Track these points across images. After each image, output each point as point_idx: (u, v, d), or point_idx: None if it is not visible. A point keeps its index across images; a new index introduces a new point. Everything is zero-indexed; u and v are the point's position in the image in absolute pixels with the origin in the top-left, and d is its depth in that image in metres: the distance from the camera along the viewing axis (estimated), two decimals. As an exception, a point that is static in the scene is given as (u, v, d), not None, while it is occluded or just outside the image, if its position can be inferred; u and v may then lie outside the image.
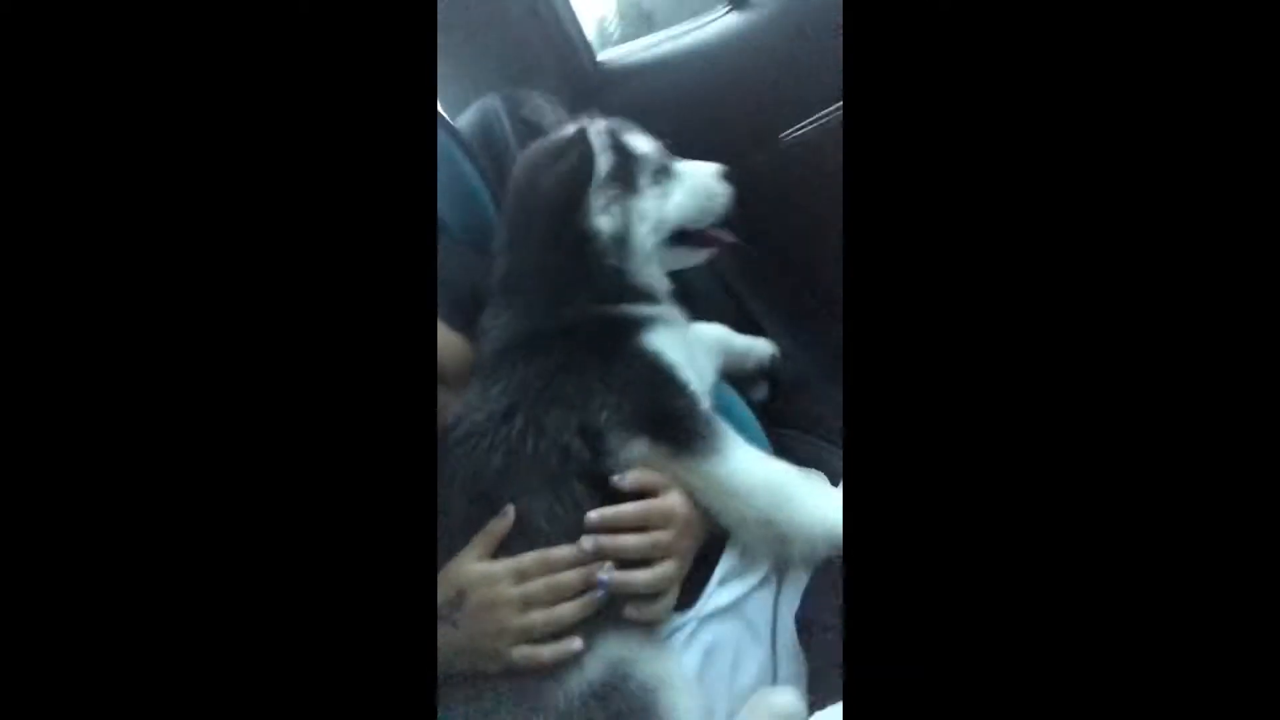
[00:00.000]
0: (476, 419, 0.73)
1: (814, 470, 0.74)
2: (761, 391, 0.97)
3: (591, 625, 0.67)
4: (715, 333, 0.93)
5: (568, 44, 1.08)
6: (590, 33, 1.16)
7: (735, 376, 0.95)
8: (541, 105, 0.96)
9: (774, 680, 0.70)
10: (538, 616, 0.66)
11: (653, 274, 0.80)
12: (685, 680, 0.68)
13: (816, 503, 0.70)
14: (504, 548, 0.69)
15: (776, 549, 0.72)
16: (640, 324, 0.76)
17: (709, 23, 1.03)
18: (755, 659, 0.71)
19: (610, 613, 0.68)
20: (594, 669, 0.66)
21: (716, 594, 0.73)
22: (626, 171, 0.78)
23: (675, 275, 0.88)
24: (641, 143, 0.81)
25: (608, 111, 1.07)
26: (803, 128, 0.99)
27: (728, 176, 0.82)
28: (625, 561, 0.68)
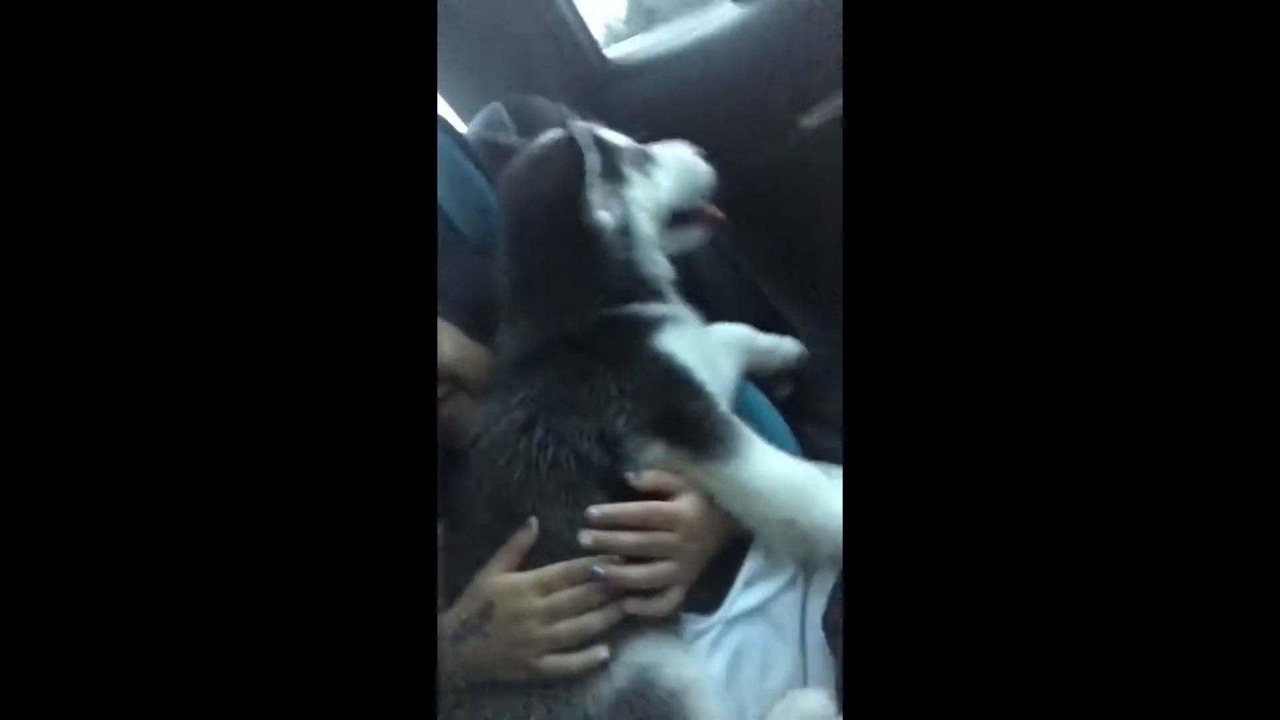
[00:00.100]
0: (497, 431, 0.74)
1: (838, 467, 0.73)
2: (786, 388, 0.96)
3: (617, 633, 0.68)
4: (737, 333, 0.92)
5: (573, 44, 1.07)
6: (599, 33, 1.15)
7: (762, 376, 0.93)
8: (545, 109, 0.96)
9: (804, 682, 0.70)
10: (564, 627, 0.67)
11: (659, 261, 0.80)
12: (712, 684, 0.68)
13: (839, 501, 0.69)
14: (529, 558, 0.70)
15: (801, 549, 0.71)
16: (652, 326, 0.76)
17: (712, 17, 1.01)
18: (784, 661, 0.71)
19: (635, 620, 0.69)
20: (620, 676, 0.66)
21: (742, 597, 0.73)
22: (614, 165, 0.78)
23: (696, 275, 0.87)
24: (617, 137, 0.82)
25: (616, 109, 1.07)
26: (819, 112, 0.97)
27: (706, 158, 0.83)
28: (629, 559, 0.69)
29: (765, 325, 0.96)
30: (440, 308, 0.82)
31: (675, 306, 0.81)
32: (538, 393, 0.73)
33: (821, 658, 0.70)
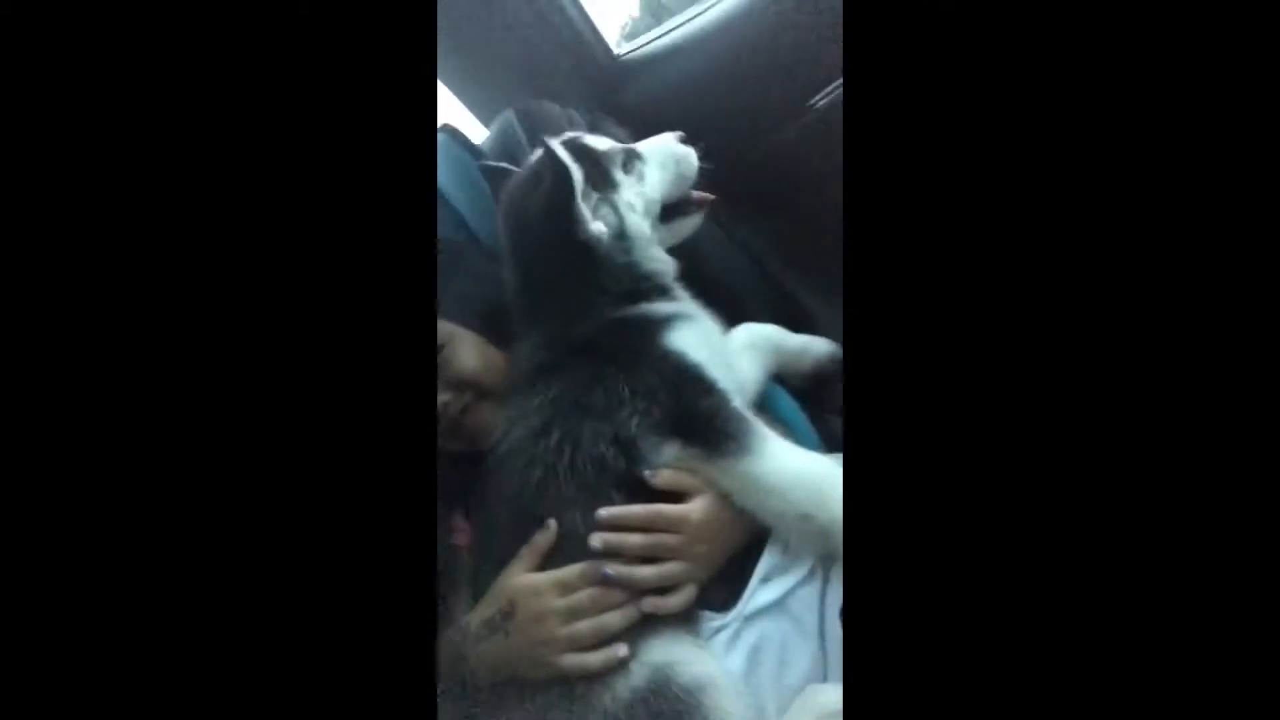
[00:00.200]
0: (515, 435, 0.75)
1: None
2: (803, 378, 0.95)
3: (634, 632, 0.69)
4: (764, 333, 0.91)
5: (582, 44, 1.08)
6: (616, 32, 1.15)
7: (795, 377, 0.92)
8: (554, 114, 0.97)
9: (824, 677, 0.70)
10: (583, 626, 0.68)
11: (659, 258, 0.81)
12: (730, 680, 0.68)
13: None
14: (549, 558, 0.72)
15: (819, 543, 0.71)
16: (661, 325, 0.76)
17: (714, 5, 1.00)
18: (804, 656, 0.71)
19: (652, 620, 0.70)
20: (638, 674, 0.67)
21: (759, 592, 0.73)
22: (600, 171, 0.79)
23: (714, 272, 0.86)
24: (600, 142, 0.82)
25: (628, 106, 1.07)
26: (829, 94, 0.95)
27: (686, 141, 0.84)
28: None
29: (797, 325, 0.95)
30: (463, 317, 0.85)
31: (684, 304, 0.81)
32: (553, 398, 0.75)
33: (841, 652, 0.69)
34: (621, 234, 0.78)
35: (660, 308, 0.78)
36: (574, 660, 0.68)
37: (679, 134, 0.85)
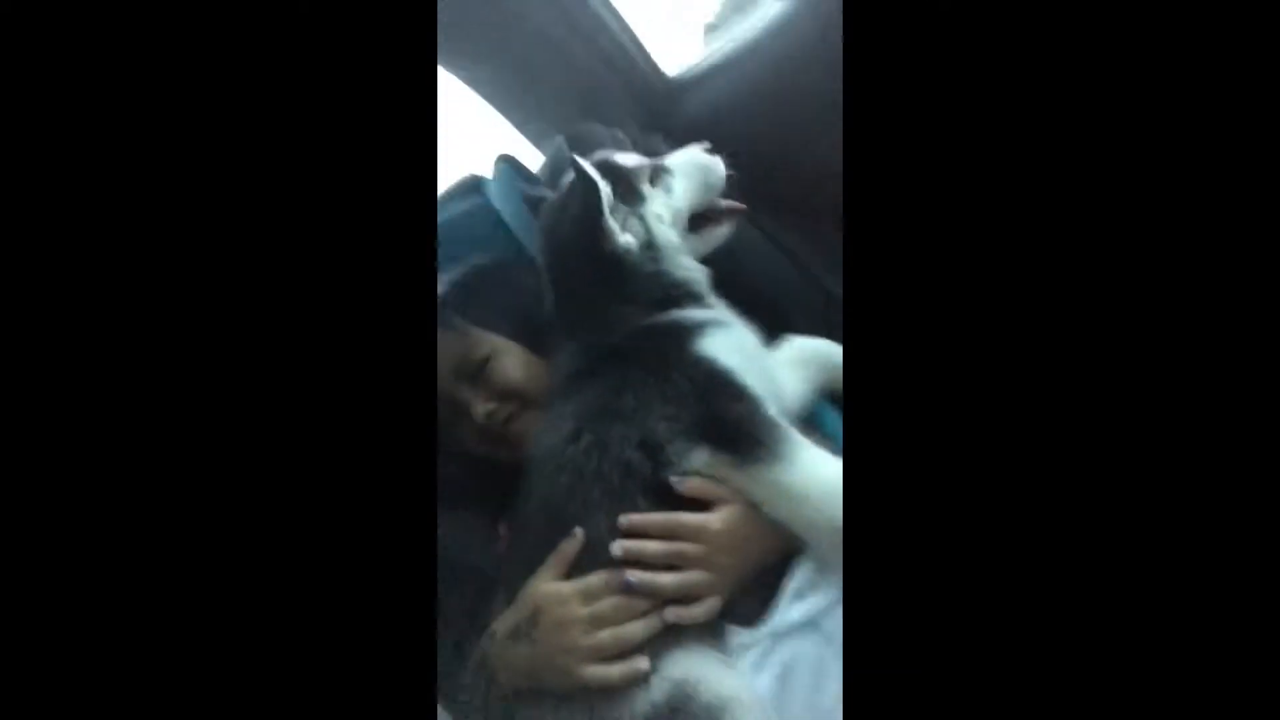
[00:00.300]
0: (547, 442, 0.76)
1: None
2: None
3: (658, 645, 0.67)
4: (816, 347, 0.89)
5: (632, 66, 1.10)
6: (700, 35, 1.15)
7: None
8: (602, 136, 0.99)
9: (861, 701, 0.65)
10: (606, 636, 0.67)
11: (689, 265, 0.82)
12: (755, 701, 0.64)
13: None
14: (576, 565, 0.71)
15: (856, 558, 0.66)
16: (692, 331, 0.75)
17: (757, 17, 1.00)
18: (840, 677, 0.66)
19: (676, 633, 0.67)
20: (659, 689, 0.65)
21: (791, 609, 0.69)
22: (628, 186, 0.81)
23: (760, 286, 0.84)
24: (629, 159, 0.84)
25: (681, 124, 1.08)
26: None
27: (712, 151, 0.85)
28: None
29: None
30: (508, 329, 0.88)
31: (717, 311, 0.81)
32: (584, 404, 0.75)
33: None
34: (650, 244, 0.79)
35: (692, 314, 0.78)
36: (596, 671, 0.67)
37: (705, 144, 0.86)
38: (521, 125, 1.18)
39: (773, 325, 0.90)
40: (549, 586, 0.71)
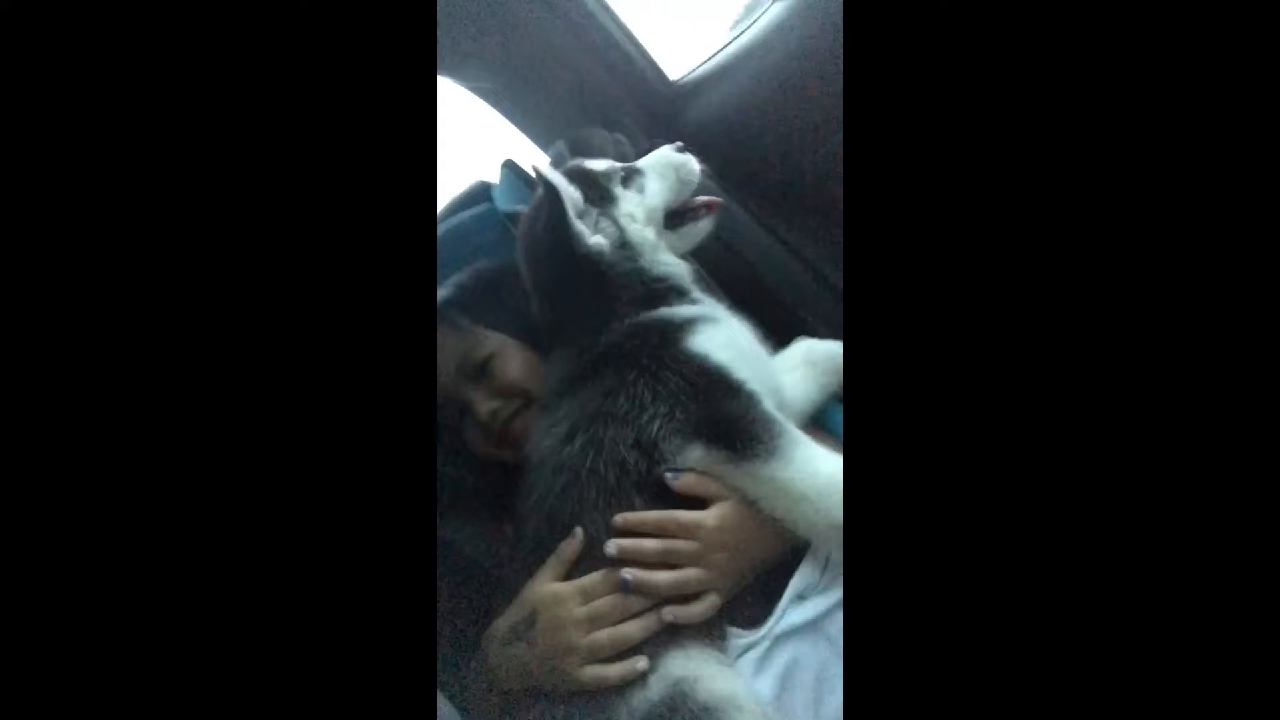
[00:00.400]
0: (544, 444, 0.76)
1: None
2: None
3: (656, 645, 0.66)
4: (826, 349, 0.88)
5: (634, 71, 1.10)
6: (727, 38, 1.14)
7: None
8: (602, 141, 1.00)
9: (864, 705, 0.63)
10: (603, 636, 0.66)
11: (668, 261, 0.83)
12: (753, 702, 0.63)
13: None
14: (574, 566, 0.70)
15: (858, 558, 0.65)
16: (682, 328, 0.75)
17: (759, 18, 1.00)
18: (841, 681, 0.65)
19: (674, 633, 0.66)
20: (656, 688, 0.64)
21: (793, 611, 0.68)
22: (599, 189, 0.82)
23: (772, 288, 0.83)
24: (599, 163, 0.86)
25: (686, 127, 1.08)
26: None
27: (683, 149, 0.87)
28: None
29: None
30: (512, 329, 0.88)
31: (706, 306, 0.80)
32: (578, 406, 0.75)
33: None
34: (624, 243, 0.81)
35: (680, 311, 0.78)
36: (593, 672, 0.66)
37: (677, 144, 0.88)
38: (528, 130, 1.19)
39: (786, 327, 0.90)
40: (547, 587, 0.70)
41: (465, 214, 1.10)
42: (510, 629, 0.70)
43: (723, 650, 0.67)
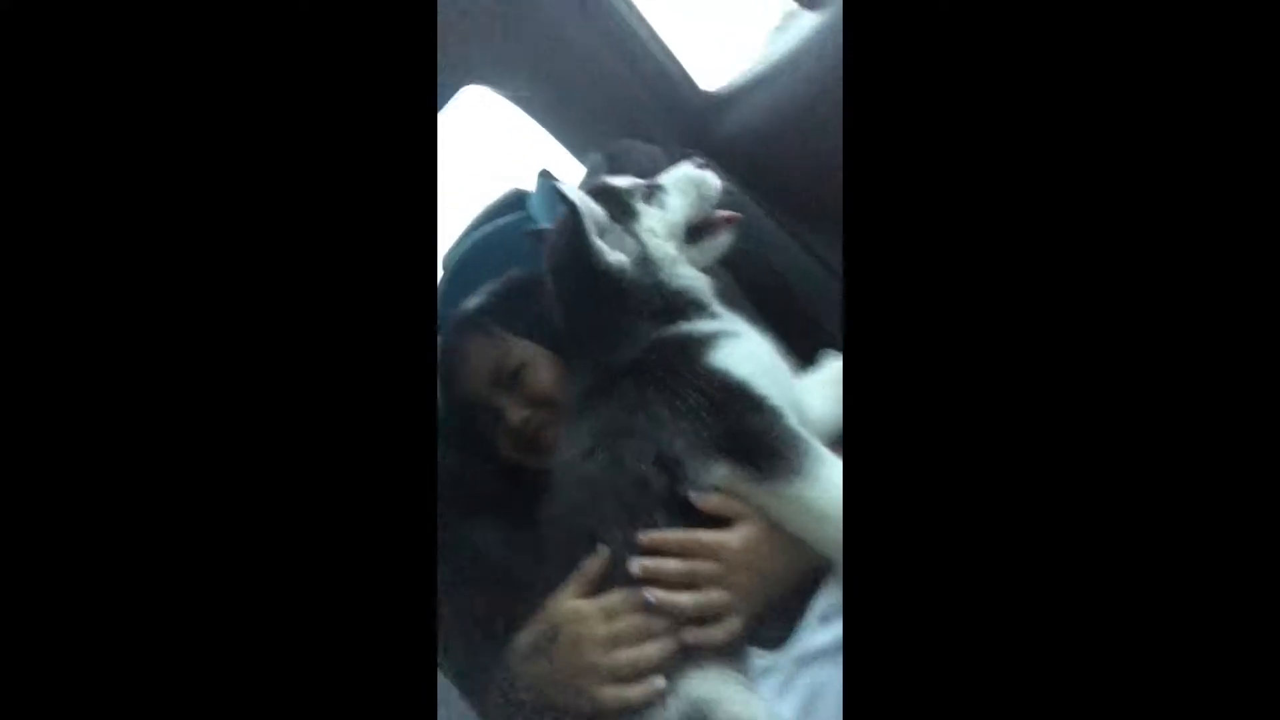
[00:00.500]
0: (565, 459, 0.76)
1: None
2: None
3: (677, 665, 0.65)
4: None
5: (670, 84, 1.10)
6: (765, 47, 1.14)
7: None
8: (639, 152, 1.00)
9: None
10: (624, 656, 0.66)
11: (688, 275, 0.82)
12: (773, 723, 0.63)
13: None
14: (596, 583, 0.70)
15: (885, 581, 0.64)
16: (702, 343, 0.74)
17: (793, 30, 0.99)
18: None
19: (694, 653, 0.66)
20: (674, 709, 0.63)
21: (817, 633, 0.67)
22: (621, 206, 0.82)
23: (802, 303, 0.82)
24: (622, 180, 0.86)
25: (718, 139, 1.07)
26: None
27: (704, 166, 0.87)
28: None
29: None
30: (543, 338, 0.89)
31: (728, 321, 0.80)
32: (599, 421, 0.74)
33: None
34: (645, 258, 0.80)
35: (701, 326, 0.77)
36: (613, 693, 0.65)
37: (697, 160, 0.88)
38: (563, 138, 1.19)
39: (815, 340, 0.89)
40: (570, 604, 0.70)
41: (499, 221, 1.11)
42: (532, 644, 0.70)
43: (744, 672, 0.67)
